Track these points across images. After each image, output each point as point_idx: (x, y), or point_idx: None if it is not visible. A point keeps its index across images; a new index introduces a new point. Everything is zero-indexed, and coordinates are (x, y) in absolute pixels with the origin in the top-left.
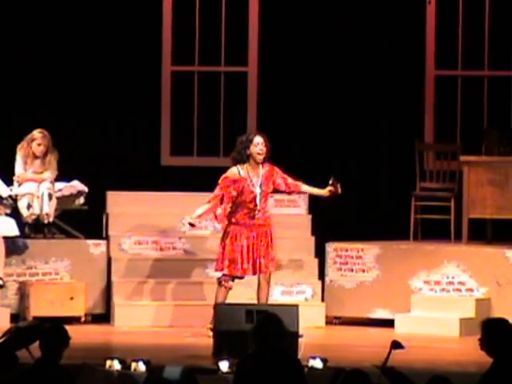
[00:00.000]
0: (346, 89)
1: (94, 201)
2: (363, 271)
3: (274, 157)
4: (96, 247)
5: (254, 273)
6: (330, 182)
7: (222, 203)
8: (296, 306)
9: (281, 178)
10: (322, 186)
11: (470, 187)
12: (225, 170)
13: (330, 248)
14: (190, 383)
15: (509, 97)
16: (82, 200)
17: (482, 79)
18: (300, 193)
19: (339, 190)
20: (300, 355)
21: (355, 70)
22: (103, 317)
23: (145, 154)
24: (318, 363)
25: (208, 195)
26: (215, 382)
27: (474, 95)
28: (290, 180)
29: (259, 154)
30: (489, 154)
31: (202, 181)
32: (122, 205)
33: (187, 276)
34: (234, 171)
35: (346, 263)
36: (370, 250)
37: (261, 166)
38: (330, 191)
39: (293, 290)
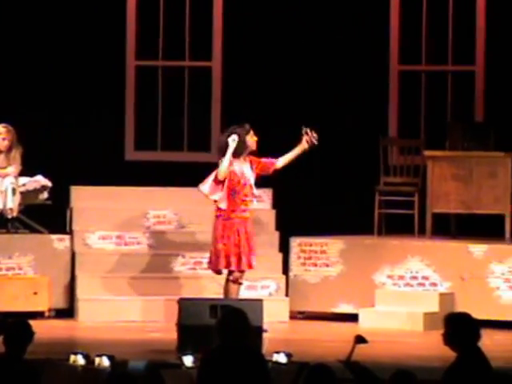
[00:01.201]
0: (311, 84)
1: (57, 195)
2: (327, 266)
3: None
4: (60, 242)
5: (238, 267)
6: (303, 131)
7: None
8: (260, 301)
9: (256, 165)
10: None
11: (434, 182)
12: (189, 165)
13: (294, 243)
14: (154, 378)
15: (472, 92)
16: (45, 195)
17: (445, 74)
18: (277, 169)
19: (315, 140)
20: (264, 350)
21: (319, 64)
22: (67, 312)
23: (109, 148)
24: (282, 358)
25: (173, 190)
26: (179, 377)
27: (438, 90)
28: (263, 160)
29: (254, 142)
30: (452, 148)
31: (166, 175)
32: (86, 199)
33: (151, 271)
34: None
35: (310, 258)
36: (333, 245)
37: (242, 158)
38: (306, 141)
39: (257, 284)
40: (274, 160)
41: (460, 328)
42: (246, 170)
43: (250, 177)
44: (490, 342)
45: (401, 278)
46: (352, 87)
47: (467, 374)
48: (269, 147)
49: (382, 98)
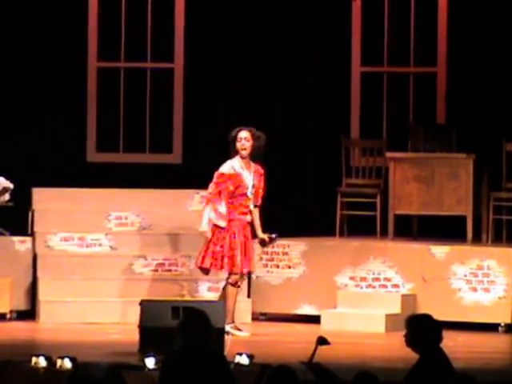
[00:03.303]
0: (273, 84)
1: (19, 197)
2: (289, 267)
3: (200, 153)
4: (21, 244)
5: (230, 269)
6: (272, 236)
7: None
8: (222, 302)
9: (258, 184)
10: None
11: (396, 183)
12: (151, 166)
13: (256, 244)
14: (116, 380)
15: (434, 93)
16: (7, 196)
17: (407, 75)
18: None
19: (269, 246)
20: (226, 351)
21: (281, 65)
22: (28, 313)
23: (71, 150)
24: (244, 359)
25: (135, 191)
26: (141, 379)
27: (400, 91)
28: (259, 193)
29: (242, 149)
30: (414, 150)
31: (128, 177)
32: (47, 201)
33: (113, 272)
34: (227, 166)
35: (272, 259)
36: (296, 247)
37: (252, 163)
38: (263, 240)
39: (219, 286)
40: (258, 204)
41: (421, 330)
42: (250, 176)
43: (251, 185)
44: (452, 344)
45: (363, 279)
46: (314, 88)
47: (429, 376)
48: (228, 150)
49: (343, 100)
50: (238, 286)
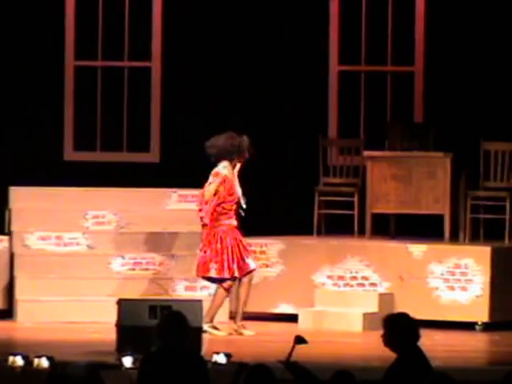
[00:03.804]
0: (250, 84)
1: None
2: (267, 266)
3: (177, 152)
4: None
5: (241, 274)
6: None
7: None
8: (200, 302)
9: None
10: None
11: (374, 182)
12: (128, 165)
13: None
14: (94, 379)
15: (412, 92)
16: None
17: (385, 75)
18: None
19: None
20: (204, 350)
21: (259, 64)
22: (6, 313)
23: (48, 149)
24: (221, 358)
25: (112, 190)
26: (119, 378)
27: (378, 90)
28: None
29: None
30: (392, 149)
31: (106, 176)
32: (24, 200)
33: (90, 271)
34: (223, 167)
35: None
36: (273, 245)
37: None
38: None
39: (196, 285)
40: None
41: (399, 329)
42: (236, 180)
43: (239, 188)
44: (430, 342)
45: (340, 278)
46: (292, 87)
47: (407, 374)
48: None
49: (321, 99)
50: (230, 292)
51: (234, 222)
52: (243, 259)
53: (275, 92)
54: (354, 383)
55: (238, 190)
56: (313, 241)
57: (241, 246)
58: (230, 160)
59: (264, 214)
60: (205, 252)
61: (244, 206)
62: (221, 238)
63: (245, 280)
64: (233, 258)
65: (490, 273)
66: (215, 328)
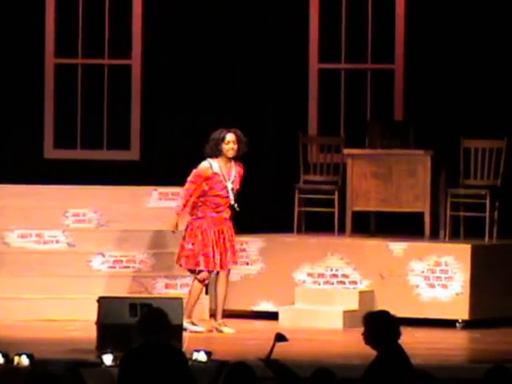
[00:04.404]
0: (230, 81)
1: None
2: (247, 264)
3: (158, 150)
4: None
5: (221, 267)
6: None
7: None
8: (180, 299)
9: (239, 182)
10: None
11: (354, 180)
12: (109, 163)
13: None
14: (74, 377)
15: (392, 90)
16: None
17: (365, 72)
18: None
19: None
20: (184, 348)
21: (239, 62)
22: None
23: (28, 146)
24: (202, 356)
25: (93, 188)
26: (99, 376)
27: (358, 88)
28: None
29: (229, 151)
30: (372, 146)
31: (86, 174)
32: (4, 198)
33: (71, 269)
34: (205, 166)
35: None
36: (253, 243)
37: (233, 162)
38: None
39: (177, 282)
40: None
41: (379, 326)
42: (232, 175)
43: (232, 182)
44: (410, 340)
45: (321, 275)
46: (272, 85)
47: (387, 372)
48: (188, 146)
49: (301, 96)
50: (205, 284)
51: (225, 215)
52: (222, 254)
53: (256, 90)
54: (335, 381)
55: (227, 185)
56: (293, 238)
57: (225, 241)
58: (211, 156)
59: (244, 212)
60: (193, 244)
61: (232, 202)
62: (206, 230)
63: (222, 276)
64: (214, 252)
65: (471, 270)
66: (193, 324)
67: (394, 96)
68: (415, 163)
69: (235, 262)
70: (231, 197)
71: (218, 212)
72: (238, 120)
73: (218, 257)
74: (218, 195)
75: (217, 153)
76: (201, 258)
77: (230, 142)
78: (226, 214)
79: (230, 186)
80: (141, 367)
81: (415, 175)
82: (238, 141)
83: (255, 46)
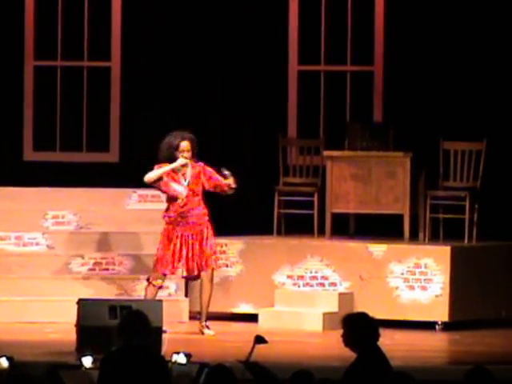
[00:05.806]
0: (209, 84)
1: None
2: (227, 266)
3: (137, 152)
4: None
5: (189, 272)
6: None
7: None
8: (160, 302)
9: (207, 178)
10: None
11: (333, 182)
12: (88, 165)
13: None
14: (53, 379)
15: (371, 92)
16: None
17: (344, 74)
18: (223, 190)
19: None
20: (164, 350)
21: (219, 64)
22: None
23: (7, 149)
24: (181, 358)
25: (72, 190)
26: (78, 378)
27: (337, 90)
28: (216, 179)
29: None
30: (351, 148)
31: (65, 176)
32: None
33: (50, 271)
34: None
35: None
36: (233, 245)
37: (190, 165)
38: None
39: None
40: (220, 179)
41: (358, 328)
42: (187, 177)
43: (184, 188)
44: (390, 342)
45: (300, 277)
46: (251, 87)
47: (367, 374)
48: None
49: (281, 98)
50: (160, 287)
51: (193, 219)
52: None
53: (235, 92)
54: (314, 383)
55: (176, 187)
56: (273, 240)
57: (189, 246)
58: (164, 162)
59: (224, 214)
60: (157, 249)
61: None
62: (169, 235)
63: (205, 279)
64: (180, 257)
65: (450, 272)
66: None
67: (373, 98)
68: (395, 165)
69: (208, 267)
70: (185, 200)
71: (183, 217)
72: (217, 122)
73: (178, 262)
74: (174, 197)
75: (170, 160)
76: (158, 263)
77: (184, 150)
78: (196, 218)
79: (182, 189)
80: (121, 369)
81: (395, 177)
82: (193, 147)
83: (234, 48)
